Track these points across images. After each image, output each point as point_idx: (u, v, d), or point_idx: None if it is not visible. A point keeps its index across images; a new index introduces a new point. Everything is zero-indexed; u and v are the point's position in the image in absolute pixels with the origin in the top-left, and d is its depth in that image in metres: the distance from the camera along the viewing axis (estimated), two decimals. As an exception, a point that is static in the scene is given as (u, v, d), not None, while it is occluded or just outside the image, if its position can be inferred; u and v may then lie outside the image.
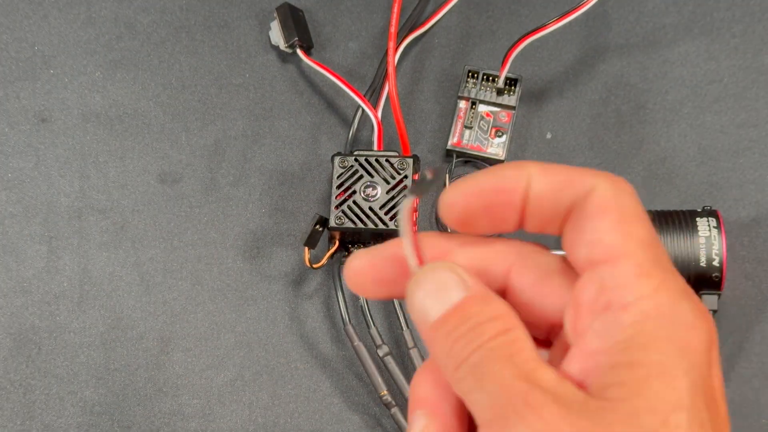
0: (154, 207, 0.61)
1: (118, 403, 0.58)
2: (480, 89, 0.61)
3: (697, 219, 0.55)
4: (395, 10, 0.58)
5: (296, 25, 0.62)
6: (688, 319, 0.30)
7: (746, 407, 0.56)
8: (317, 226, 0.56)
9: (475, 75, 0.61)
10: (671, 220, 0.55)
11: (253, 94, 0.63)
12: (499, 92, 0.61)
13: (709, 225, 0.55)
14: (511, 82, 0.61)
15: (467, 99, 0.61)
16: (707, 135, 0.60)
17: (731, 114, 0.61)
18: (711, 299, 0.55)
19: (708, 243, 0.54)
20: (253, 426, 0.57)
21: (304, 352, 0.58)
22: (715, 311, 0.55)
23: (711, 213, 0.55)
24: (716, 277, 0.54)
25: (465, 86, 0.61)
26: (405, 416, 0.55)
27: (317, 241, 0.57)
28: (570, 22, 0.57)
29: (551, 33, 0.57)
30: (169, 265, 0.60)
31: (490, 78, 0.61)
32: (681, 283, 0.31)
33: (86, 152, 0.62)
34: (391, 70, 0.58)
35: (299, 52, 0.62)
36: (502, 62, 0.59)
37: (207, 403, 0.58)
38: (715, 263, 0.54)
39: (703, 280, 0.54)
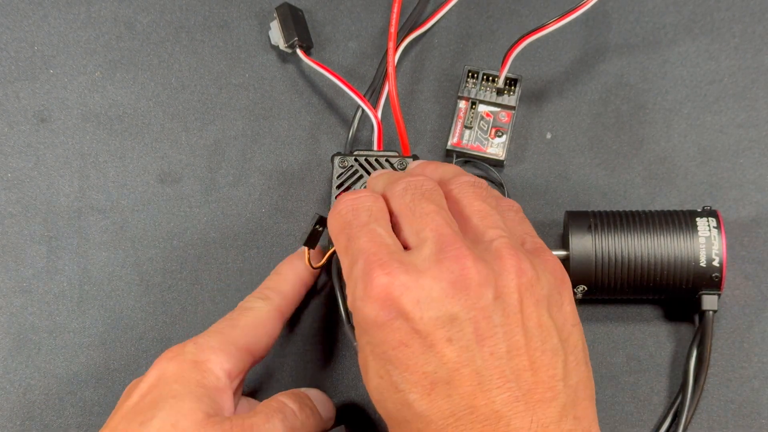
0: (154, 207, 0.61)
1: (118, 403, 0.58)
2: (480, 89, 0.61)
3: (697, 219, 0.55)
4: (395, 10, 0.58)
5: (296, 24, 0.62)
6: None
7: (746, 407, 0.56)
8: (317, 226, 0.56)
9: (475, 75, 0.61)
10: (671, 220, 0.55)
11: (252, 94, 0.63)
12: (499, 92, 0.61)
13: (709, 225, 0.55)
14: (511, 82, 0.61)
15: (467, 99, 0.61)
16: (707, 135, 0.60)
17: (731, 114, 0.61)
18: (711, 299, 0.55)
19: (708, 243, 0.54)
20: (253, 426, 0.57)
21: (304, 352, 0.58)
22: (715, 311, 0.55)
23: (711, 213, 0.55)
24: (716, 277, 0.54)
25: (465, 86, 0.61)
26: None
27: (317, 241, 0.57)
28: (570, 22, 0.57)
29: (551, 33, 0.57)
30: (169, 265, 0.60)
31: (490, 78, 0.61)
32: None
33: (86, 152, 0.62)
34: (391, 70, 0.58)
35: (299, 51, 0.62)
36: (502, 62, 0.59)
37: (207, 403, 0.58)
38: (715, 263, 0.54)
39: (703, 280, 0.54)
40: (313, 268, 0.57)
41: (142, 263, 0.60)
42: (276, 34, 0.62)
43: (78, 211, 0.61)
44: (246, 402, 0.51)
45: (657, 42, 0.62)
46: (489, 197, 0.48)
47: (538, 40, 0.57)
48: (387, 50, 0.58)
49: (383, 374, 0.44)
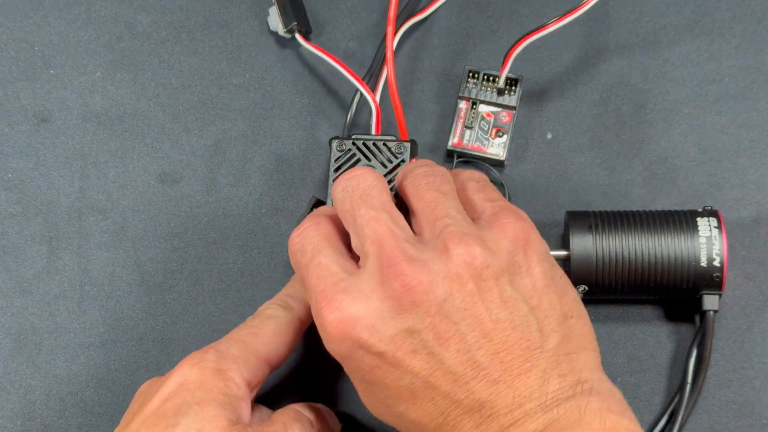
0: (154, 207, 0.61)
1: (119, 404, 0.58)
2: (480, 89, 0.61)
3: (698, 219, 0.55)
4: (393, -5, 0.57)
5: (294, 9, 0.62)
6: None
7: (746, 407, 0.56)
8: (314, 209, 0.56)
9: (476, 75, 0.61)
10: (672, 220, 0.55)
11: (253, 94, 0.63)
12: (500, 92, 0.61)
13: (709, 225, 0.55)
14: (511, 82, 0.61)
15: (468, 99, 0.61)
16: (708, 135, 0.60)
17: (732, 114, 0.61)
18: (712, 299, 0.55)
19: (709, 243, 0.54)
20: (254, 426, 0.57)
21: (305, 352, 0.58)
22: (715, 311, 0.55)
23: (712, 213, 0.55)
24: (717, 277, 0.54)
25: (465, 86, 0.61)
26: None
27: None
28: (570, 22, 0.57)
29: (551, 33, 0.57)
30: (169, 265, 0.60)
31: (491, 78, 0.61)
32: None
33: (86, 152, 0.62)
34: (389, 54, 0.57)
35: (298, 36, 0.61)
36: (503, 62, 0.59)
37: (207, 404, 0.57)
38: (716, 263, 0.54)
39: (703, 280, 0.54)
40: None
41: (143, 263, 0.60)
42: (275, 20, 0.62)
43: (78, 211, 0.61)
44: (258, 410, 0.52)
45: (657, 42, 0.62)
46: (443, 183, 0.48)
47: (538, 40, 0.57)
48: (386, 34, 0.57)
49: (370, 394, 0.46)
